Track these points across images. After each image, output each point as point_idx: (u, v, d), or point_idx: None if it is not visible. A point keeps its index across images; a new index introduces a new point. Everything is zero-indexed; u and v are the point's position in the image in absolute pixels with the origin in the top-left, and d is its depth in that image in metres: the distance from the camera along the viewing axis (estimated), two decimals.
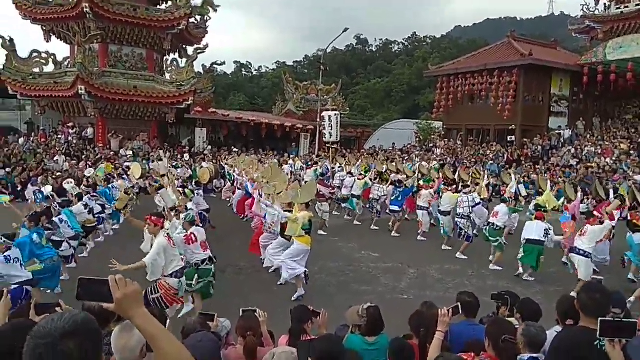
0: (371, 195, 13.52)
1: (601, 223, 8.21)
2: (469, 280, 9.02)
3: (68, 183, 12.36)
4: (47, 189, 10.43)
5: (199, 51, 24.19)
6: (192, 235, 6.43)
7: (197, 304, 6.41)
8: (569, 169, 20.59)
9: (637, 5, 26.74)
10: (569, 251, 8.55)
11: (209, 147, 24.47)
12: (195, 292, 6.45)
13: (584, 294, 3.03)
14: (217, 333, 3.65)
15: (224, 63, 30.49)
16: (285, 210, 8.11)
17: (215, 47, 26.97)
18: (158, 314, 3.40)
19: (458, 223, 10.92)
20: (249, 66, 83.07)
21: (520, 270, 9.29)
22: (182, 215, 7.07)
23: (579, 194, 12.21)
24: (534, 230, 9.10)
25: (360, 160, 18.70)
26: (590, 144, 23.78)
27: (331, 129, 22.95)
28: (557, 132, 26.28)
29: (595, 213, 9.59)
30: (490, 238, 10.00)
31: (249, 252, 9.42)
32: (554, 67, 26.47)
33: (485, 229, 10.26)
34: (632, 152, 21.65)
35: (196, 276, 6.40)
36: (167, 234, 5.84)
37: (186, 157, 18.51)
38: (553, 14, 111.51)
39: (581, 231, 8.35)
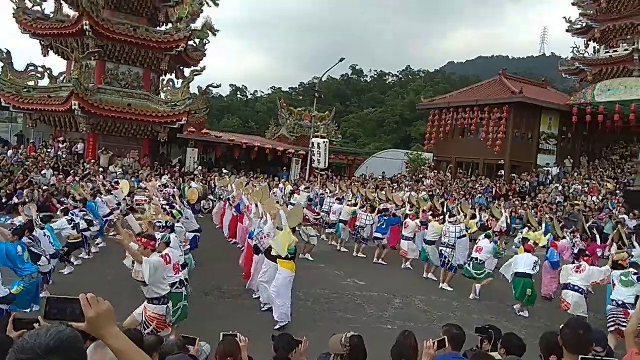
0: (358, 223, 13.46)
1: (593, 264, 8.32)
2: (454, 312, 8.97)
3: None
4: (29, 211, 9.05)
5: (195, 73, 24.38)
6: (167, 257, 6.32)
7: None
8: (556, 206, 20.79)
9: (625, 50, 27.60)
10: (562, 288, 8.51)
11: (200, 167, 24.40)
12: (177, 321, 6.27)
13: (567, 330, 3.03)
14: (196, 357, 3.58)
15: (219, 86, 30.81)
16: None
17: (212, 70, 27.25)
18: (135, 335, 3.32)
19: (443, 252, 10.84)
20: (245, 90, 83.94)
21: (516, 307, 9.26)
22: (158, 236, 6.97)
23: (567, 237, 12.27)
24: (523, 262, 9.14)
25: (349, 191, 18.71)
26: (577, 182, 24.08)
27: (319, 156, 23.03)
28: (545, 169, 26.64)
29: (588, 253, 9.70)
30: (475, 273, 9.93)
31: (244, 280, 9.27)
32: (543, 106, 27.00)
33: (469, 264, 10.18)
34: (617, 191, 21.96)
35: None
36: (163, 254, 5.78)
37: (164, 179, 17.74)
38: (544, 54, 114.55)
39: (577, 268, 8.36)
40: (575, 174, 25.69)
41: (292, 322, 7.43)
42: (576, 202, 21.07)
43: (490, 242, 10.29)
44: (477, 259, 10.02)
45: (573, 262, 9.18)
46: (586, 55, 29.62)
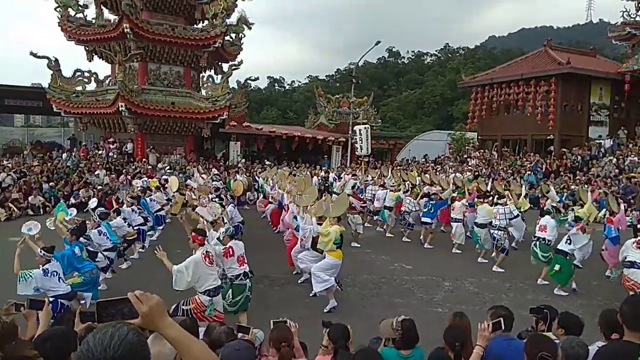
0: (403, 208, 13.40)
1: None
2: (506, 294, 8.78)
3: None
4: (93, 203, 10.60)
5: (233, 67, 24.71)
6: (230, 249, 6.49)
7: (241, 319, 6.32)
8: (610, 180, 19.84)
9: None
10: (627, 267, 8.06)
11: (243, 160, 24.86)
12: (237, 311, 6.41)
13: (626, 307, 2.91)
14: (252, 342, 3.67)
15: (257, 78, 31.33)
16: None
17: (250, 63, 27.52)
18: (190, 324, 3.45)
19: (494, 235, 10.64)
20: (282, 81, 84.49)
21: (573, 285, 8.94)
22: (221, 229, 7.13)
23: (622, 206, 11.70)
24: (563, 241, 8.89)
25: (391, 176, 18.48)
26: (633, 153, 22.89)
27: (362, 142, 22.87)
28: (597, 141, 25.46)
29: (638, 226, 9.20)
30: (542, 254, 9.41)
31: (289, 266, 9.45)
32: (593, 76, 25.76)
33: (536, 245, 9.65)
34: None
35: (230, 292, 6.38)
36: (206, 251, 5.93)
37: (197, 176, 18.08)
38: (591, 21, 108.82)
39: (639, 244, 7.93)
40: (630, 145, 24.40)
41: (341, 308, 7.49)
42: (632, 174, 20.03)
43: (552, 218, 9.91)
44: (543, 239, 9.50)
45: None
46: (637, 18, 27.86)
